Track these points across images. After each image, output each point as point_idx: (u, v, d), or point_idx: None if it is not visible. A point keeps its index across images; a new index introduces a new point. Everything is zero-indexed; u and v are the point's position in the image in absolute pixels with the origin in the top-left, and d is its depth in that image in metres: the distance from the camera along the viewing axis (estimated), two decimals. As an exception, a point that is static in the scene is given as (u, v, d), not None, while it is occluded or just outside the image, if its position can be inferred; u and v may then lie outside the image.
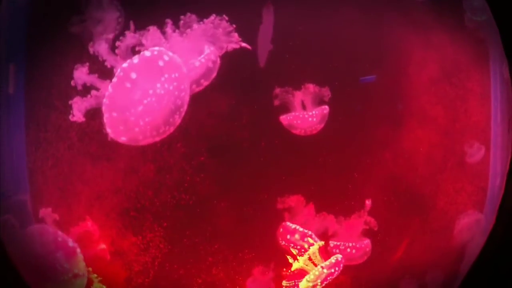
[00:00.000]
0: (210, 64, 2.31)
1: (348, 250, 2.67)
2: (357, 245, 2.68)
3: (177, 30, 2.27)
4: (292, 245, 2.61)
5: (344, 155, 2.73)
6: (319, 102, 2.66)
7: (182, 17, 2.27)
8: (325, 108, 2.67)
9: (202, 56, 2.29)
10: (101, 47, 2.21)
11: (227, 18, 2.31)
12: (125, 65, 2.13)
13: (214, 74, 2.36)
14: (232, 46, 2.32)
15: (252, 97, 2.62)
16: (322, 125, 2.70)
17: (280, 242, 2.65)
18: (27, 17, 2.57)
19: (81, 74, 2.21)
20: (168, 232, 2.60)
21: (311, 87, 2.62)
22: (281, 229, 2.66)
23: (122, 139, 2.25)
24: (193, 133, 2.51)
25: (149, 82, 2.17)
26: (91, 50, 2.24)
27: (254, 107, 2.61)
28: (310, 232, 2.63)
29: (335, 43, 2.65)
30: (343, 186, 2.74)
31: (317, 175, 2.71)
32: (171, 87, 2.21)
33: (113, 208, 2.58)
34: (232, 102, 2.56)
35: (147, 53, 2.15)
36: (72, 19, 2.38)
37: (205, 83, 2.36)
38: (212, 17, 2.29)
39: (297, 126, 2.67)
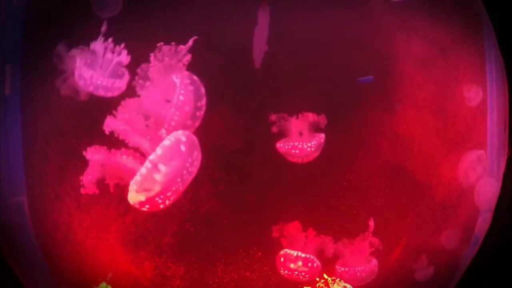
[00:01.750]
0: (190, 87, 2.31)
1: (358, 274, 2.67)
2: (365, 268, 2.68)
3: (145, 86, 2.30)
4: (296, 273, 2.60)
5: (341, 180, 2.73)
6: (316, 129, 2.67)
7: (138, 71, 2.29)
8: (322, 137, 2.67)
9: (178, 88, 2.29)
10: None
11: (162, 43, 2.30)
12: (152, 157, 2.16)
13: (202, 90, 2.35)
14: (186, 59, 2.30)
15: (248, 122, 2.61)
16: (318, 153, 2.69)
17: (282, 272, 2.63)
18: (23, 18, 2.57)
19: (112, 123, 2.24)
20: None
21: (310, 115, 2.62)
22: (282, 258, 2.63)
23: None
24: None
25: (176, 170, 2.23)
26: None
27: (250, 132, 2.61)
28: (312, 257, 2.62)
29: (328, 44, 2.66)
30: (342, 209, 2.73)
31: (314, 200, 2.70)
32: (193, 168, 2.29)
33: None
34: (227, 128, 2.55)
35: (166, 142, 2.19)
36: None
37: (201, 102, 2.35)
38: (155, 52, 2.29)
39: (294, 155, 2.66)
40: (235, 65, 2.57)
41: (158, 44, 2.25)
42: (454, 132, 2.79)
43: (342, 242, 2.67)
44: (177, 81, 2.26)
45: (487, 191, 2.77)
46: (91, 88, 2.40)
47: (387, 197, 2.75)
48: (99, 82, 2.39)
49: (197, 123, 2.34)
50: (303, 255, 2.60)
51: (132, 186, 2.18)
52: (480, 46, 2.78)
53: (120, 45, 2.37)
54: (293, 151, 2.64)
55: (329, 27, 2.63)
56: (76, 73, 2.40)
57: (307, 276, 2.60)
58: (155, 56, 2.25)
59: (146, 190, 2.17)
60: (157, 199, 2.20)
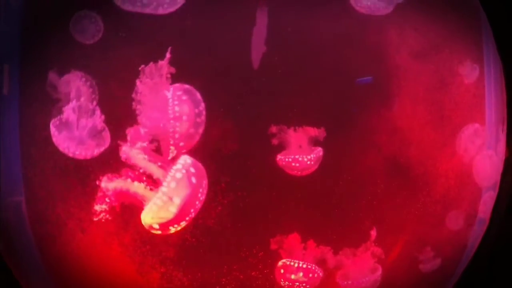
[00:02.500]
0: (184, 97, 2.31)
1: (362, 285, 2.66)
2: (369, 278, 2.67)
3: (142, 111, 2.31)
4: (297, 283, 2.59)
5: (340, 191, 2.70)
6: (315, 142, 2.64)
7: (134, 96, 2.29)
8: (320, 150, 2.64)
9: (171, 101, 2.29)
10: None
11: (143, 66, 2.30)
12: (164, 189, 2.22)
13: (198, 96, 2.35)
14: (170, 71, 2.31)
15: (247, 133, 2.58)
16: (317, 166, 2.67)
17: (282, 283, 2.61)
18: (21, 18, 2.57)
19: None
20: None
21: (310, 129, 2.60)
22: (282, 270, 2.61)
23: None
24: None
25: (189, 201, 2.28)
26: None
27: (249, 144, 2.58)
28: (313, 267, 2.61)
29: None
30: (342, 220, 2.71)
31: (313, 211, 2.68)
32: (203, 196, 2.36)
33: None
34: (225, 140, 2.51)
35: (178, 175, 2.23)
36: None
37: (199, 108, 2.34)
38: (140, 77, 2.30)
39: (294, 168, 2.65)
40: (234, 78, 2.57)
41: (140, 68, 2.27)
42: (452, 118, 2.80)
43: (344, 252, 2.65)
44: (169, 94, 2.28)
45: (487, 166, 2.77)
46: (71, 155, 2.46)
47: (390, 207, 2.74)
48: (77, 152, 2.44)
49: (201, 130, 2.34)
50: (304, 265, 2.59)
51: (147, 214, 2.25)
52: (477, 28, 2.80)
53: (92, 103, 2.42)
54: (293, 164, 2.63)
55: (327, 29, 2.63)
56: (53, 139, 2.45)
57: (308, 287, 2.59)
58: (141, 81, 2.27)
59: (160, 219, 2.24)
60: (170, 226, 2.28)
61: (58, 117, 2.43)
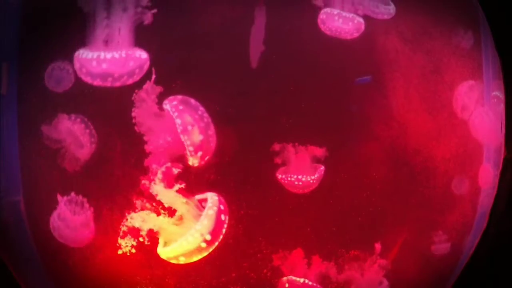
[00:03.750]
0: (180, 106, 2.31)
1: None
2: None
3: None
4: None
5: (342, 207, 2.72)
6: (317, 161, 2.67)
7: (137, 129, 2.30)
8: (322, 169, 2.66)
9: (172, 112, 2.30)
10: None
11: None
12: (198, 227, 2.23)
13: (192, 101, 2.35)
14: (157, 92, 2.31)
15: (250, 151, 2.58)
16: (317, 184, 2.68)
17: None
18: (20, 16, 2.56)
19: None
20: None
21: (313, 148, 2.62)
22: (287, 285, 2.61)
23: None
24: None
25: (217, 236, 2.32)
26: None
27: (251, 162, 2.59)
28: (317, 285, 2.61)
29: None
30: (347, 235, 2.72)
31: (316, 228, 2.69)
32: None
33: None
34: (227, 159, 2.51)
35: (210, 212, 2.27)
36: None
37: (199, 113, 2.34)
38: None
39: (296, 186, 2.66)
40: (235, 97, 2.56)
41: (132, 99, 2.28)
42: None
43: (349, 266, 2.66)
44: (166, 108, 2.29)
45: (485, 124, 2.79)
46: None
47: (394, 220, 2.76)
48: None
49: (211, 131, 2.35)
50: (310, 282, 2.59)
51: (175, 250, 2.24)
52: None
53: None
54: (296, 183, 2.64)
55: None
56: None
57: None
58: (136, 111, 2.28)
59: (188, 253, 2.25)
60: (195, 256, 2.29)
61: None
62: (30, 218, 2.57)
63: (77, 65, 2.34)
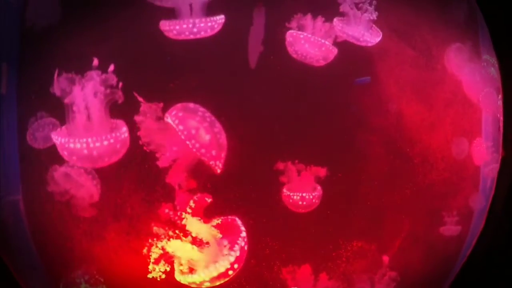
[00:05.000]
0: (180, 114, 2.29)
1: None
2: None
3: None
4: None
5: (345, 223, 2.77)
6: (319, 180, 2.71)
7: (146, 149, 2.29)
8: (320, 189, 2.70)
9: (174, 123, 2.29)
10: None
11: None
12: (232, 258, 2.26)
13: (190, 106, 2.34)
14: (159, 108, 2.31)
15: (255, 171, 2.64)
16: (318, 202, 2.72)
17: None
18: (20, 17, 2.57)
19: None
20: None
21: (316, 168, 2.66)
22: None
23: None
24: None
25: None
26: None
27: (257, 180, 2.65)
28: None
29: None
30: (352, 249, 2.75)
31: (324, 244, 2.74)
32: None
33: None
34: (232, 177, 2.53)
35: (241, 243, 2.30)
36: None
37: (199, 114, 2.33)
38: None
39: (299, 206, 2.68)
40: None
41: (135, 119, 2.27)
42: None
43: (360, 278, 2.70)
44: (169, 121, 2.29)
45: (477, 80, 2.81)
46: None
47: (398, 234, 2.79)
48: None
49: (216, 128, 2.34)
50: None
51: (202, 277, 2.23)
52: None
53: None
54: (300, 202, 2.67)
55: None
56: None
57: None
58: (141, 131, 2.27)
59: (214, 280, 2.26)
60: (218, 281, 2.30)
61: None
62: (29, 218, 2.58)
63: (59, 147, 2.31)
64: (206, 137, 2.29)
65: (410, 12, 2.74)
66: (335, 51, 2.66)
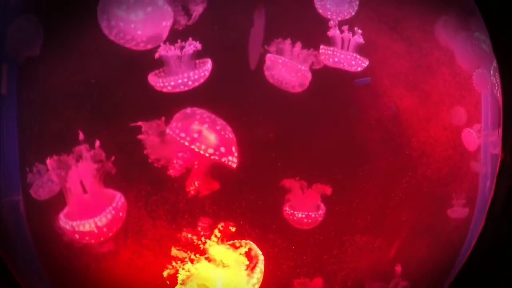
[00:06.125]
0: (179, 123, 2.32)
1: None
2: None
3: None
4: None
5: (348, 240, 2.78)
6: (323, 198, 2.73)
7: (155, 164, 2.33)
8: (323, 208, 2.72)
9: (175, 134, 2.32)
10: None
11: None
12: (254, 280, 2.34)
13: (188, 111, 2.36)
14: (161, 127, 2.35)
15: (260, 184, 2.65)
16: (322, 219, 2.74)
17: None
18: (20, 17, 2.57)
19: None
20: None
21: (320, 186, 2.68)
22: None
23: None
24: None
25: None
26: None
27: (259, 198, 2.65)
28: None
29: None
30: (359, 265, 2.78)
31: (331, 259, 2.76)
32: None
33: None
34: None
35: (260, 266, 2.37)
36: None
37: (196, 116, 2.35)
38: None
39: (303, 223, 2.71)
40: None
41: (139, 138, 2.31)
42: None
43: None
44: (171, 132, 2.30)
45: (469, 50, 2.82)
46: None
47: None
48: None
49: (219, 125, 2.36)
50: None
51: None
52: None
53: None
54: (305, 220, 2.69)
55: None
56: None
57: None
58: (148, 150, 2.31)
59: None
60: None
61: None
62: (30, 218, 2.58)
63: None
64: (211, 136, 2.29)
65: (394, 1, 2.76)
66: (308, 76, 2.67)
